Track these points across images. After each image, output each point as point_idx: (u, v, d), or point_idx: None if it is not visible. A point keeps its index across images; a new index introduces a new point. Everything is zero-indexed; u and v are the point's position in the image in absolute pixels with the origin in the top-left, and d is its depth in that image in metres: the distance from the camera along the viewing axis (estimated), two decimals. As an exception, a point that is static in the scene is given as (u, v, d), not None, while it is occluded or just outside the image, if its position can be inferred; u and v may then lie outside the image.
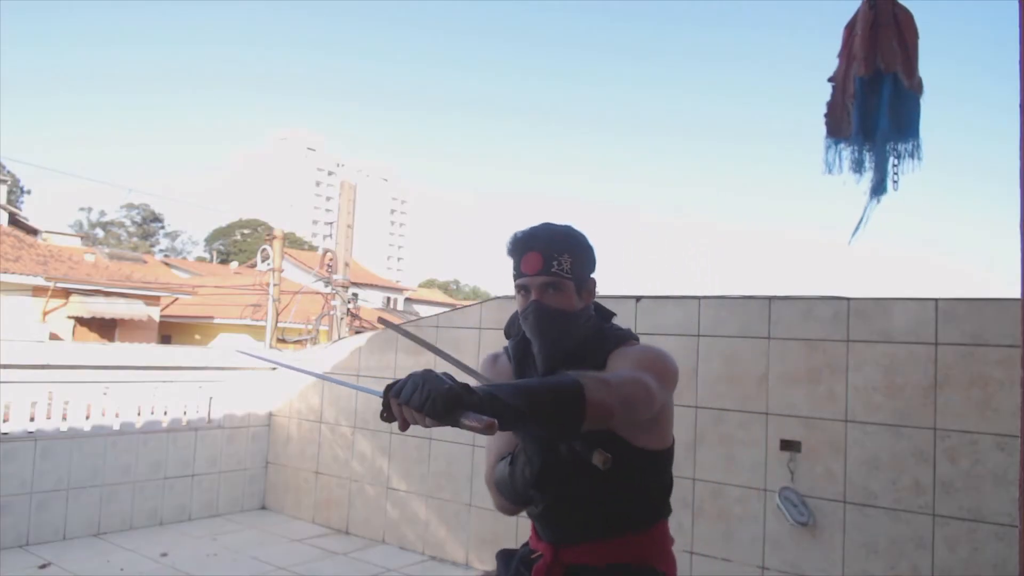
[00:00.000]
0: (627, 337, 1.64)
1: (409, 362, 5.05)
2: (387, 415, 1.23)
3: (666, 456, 1.63)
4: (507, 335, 1.75)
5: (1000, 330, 2.99)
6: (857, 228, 2.09)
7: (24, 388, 4.61)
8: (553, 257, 1.56)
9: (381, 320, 1.54)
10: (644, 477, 1.60)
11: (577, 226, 1.66)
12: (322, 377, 2.01)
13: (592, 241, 1.65)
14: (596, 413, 1.30)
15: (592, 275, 1.65)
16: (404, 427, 1.23)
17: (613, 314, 1.72)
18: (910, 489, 3.14)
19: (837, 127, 2.15)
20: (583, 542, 1.60)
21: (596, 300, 1.70)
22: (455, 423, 1.19)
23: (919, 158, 2.07)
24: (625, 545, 1.59)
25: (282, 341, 13.48)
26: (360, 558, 4.73)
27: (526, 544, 1.75)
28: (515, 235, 1.62)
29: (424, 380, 1.19)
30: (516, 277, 1.60)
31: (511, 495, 1.59)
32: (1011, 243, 1.62)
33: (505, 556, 1.77)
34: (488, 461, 1.69)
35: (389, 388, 1.23)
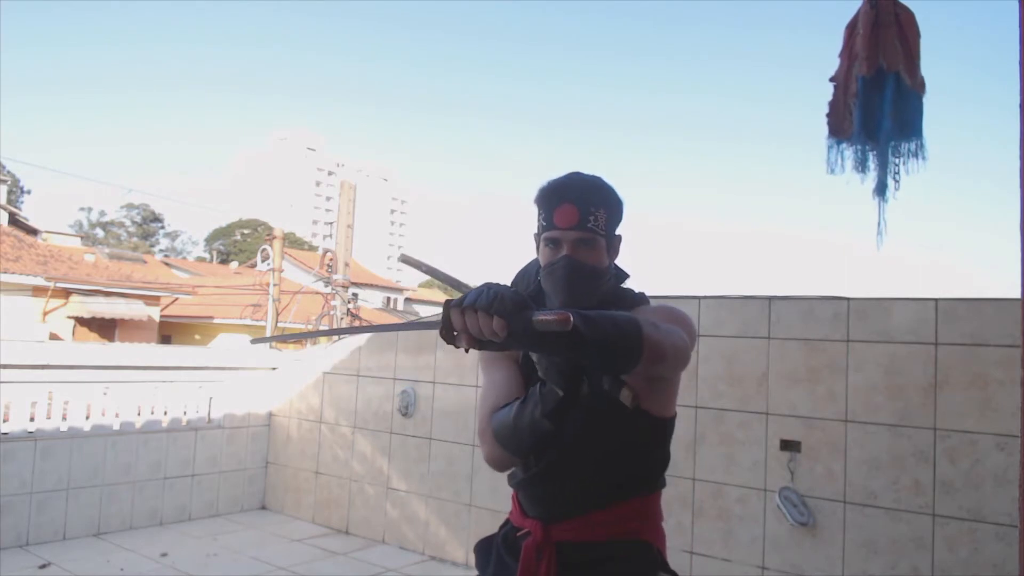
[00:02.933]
0: (642, 299, 1.60)
1: (409, 362, 5.05)
2: (448, 332, 1.17)
3: (670, 426, 1.59)
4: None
5: (1000, 330, 2.99)
6: (880, 233, 2.09)
7: (24, 388, 4.61)
8: (589, 211, 1.46)
9: (403, 258, 1.49)
10: (649, 442, 1.56)
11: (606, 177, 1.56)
12: (392, 328, 1.82)
13: (621, 195, 1.55)
14: (652, 354, 1.24)
15: (618, 233, 1.56)
16: (470, 343, 1.16)
17: (627, 275, 1.65)
18: (910, 489, 3.14)
19: (839, 127, 2.15)
20: (577, 515, 1.51)
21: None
22: (526, 325, 1.12)
23: (923, 157, 2.07)
24: (621, 516, 1.53)
25: (282, 341, 13.47)
26: (360, 558, 4.72)
27: (506, 524, 1.65)
28: (548, 183, 1.52)
29: (487, 286, 1.16)
30: (545, 229, 1.49)
31: (513, 442, 1.45)
32: (1011, 244, 1.62)
33: (484, 545, 1.67)
34: (482, 410, 1.54)
35: (448, 303, 1.18)
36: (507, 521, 1.66)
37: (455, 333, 1.17)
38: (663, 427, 1.58)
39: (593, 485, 1.53)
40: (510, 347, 1.18)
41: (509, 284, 1.58)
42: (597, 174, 1.55)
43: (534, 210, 1.55)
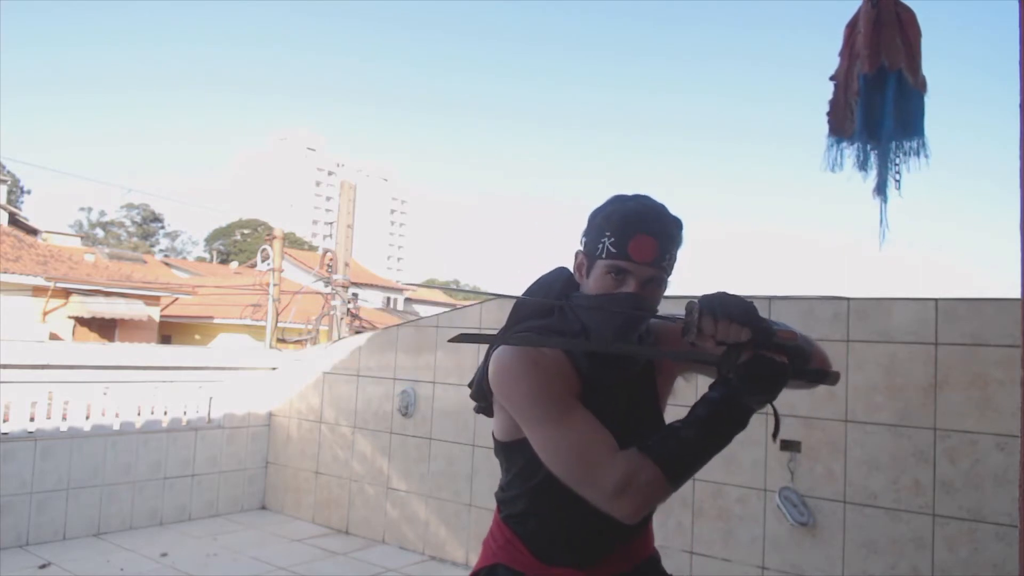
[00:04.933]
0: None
1: (409, 362, 5.05)
2: (691, 331, 1.23)
3: None
4: (525, 313, 1.48)
5: (1000, 330, 2.98)
6: (882, 232, 2.08)
7: (24, 388, 4.61)
8: (667, 249, 1.34)
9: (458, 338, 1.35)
10: None
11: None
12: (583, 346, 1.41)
13: None
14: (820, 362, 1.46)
15: None
16: (710, 344, 1.23)
17: None
18: (910, 489, 3.13)
19: (840, 126, 2.15)
20: (610, 552, 1.40)
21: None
22: (769, 334, 1.21)
23: (925, 156, 2.07)
24: (645, 538, 1.49)
25: (282, 341, 13.47)
26: (360, 558, 4.72)
27: (493, 571, 1.44)
28: (626, 207, 1.35)
29: (725, 295, 1.24)
30: (614, 256, 1.32)
31: (686, 474, 1.24)
32: (1011, 244, 1.61)
33: None
34: (604, 454, 1.24)
35: (698, 306, 1.22)
36: (494, 568, 1.45)
37: (697, 332, 1.22)
38: None
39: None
40: (735, 355, 1.22)
41: (524, 293, 1.49)
42: (674, 213, 1.41)
43: (589, 224, 1.40)
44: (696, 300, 1.23)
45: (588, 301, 1.37)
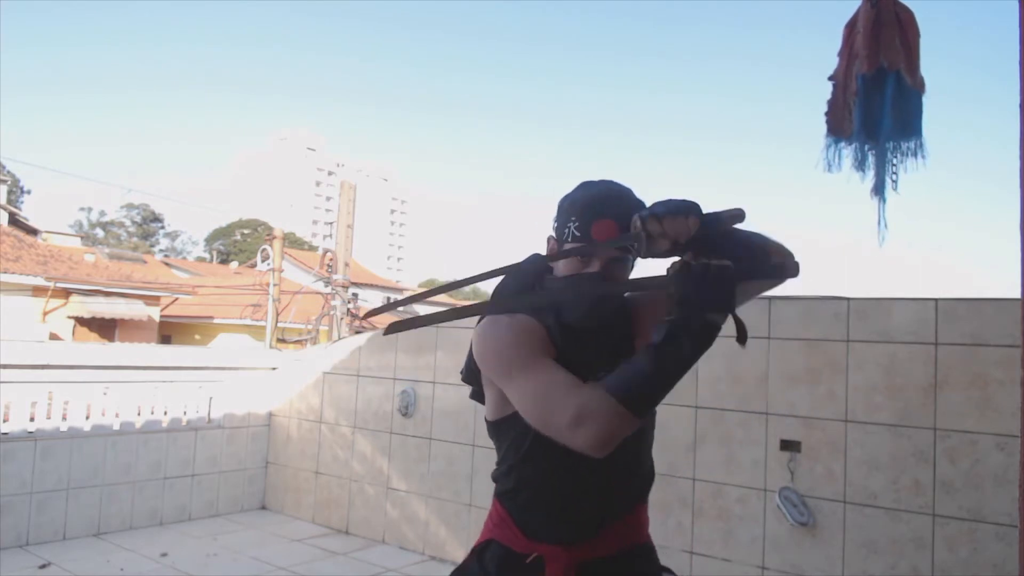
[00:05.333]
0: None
1: (409, 362, 5.05)
2: (645, 244, 1.28)
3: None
4: (498, 295, 1.53)
5: (1000, 330, 2.98)
6: (881, 232, 2.09)
7: (24, 388, 4.61)
8: (628, 230, 1.37)
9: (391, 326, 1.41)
10: (653, 435, 1.57)
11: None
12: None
13: None
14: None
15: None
16: (667, 249, 1.28)
17: None
18: (910, 489, 3.13)
19: (838, 126, 2.15)
20: (595, 534, 1.43)
21: None
22: (716, 219, 1.27)
23: (923, 156, 2.07)
24: (636, 520, 1.50)
25: (282, 341, 13.47)
26: (360, 558, 4.72)
27: (486, 547, 1.49)
28: (588, 193, 1.42)
29: (658, 203, 1.29)
30: (577, 240, 1.38)
31: (648, 398, 1.24)
32: (1011, 244, 1.61)
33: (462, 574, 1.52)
34: (566, 394, 1.27)
35: (638, 216, 1.28)
36: (488, 544, 1.50)
37: (647, 238, 1.27)
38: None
39: (637, 486, 1.49)
40: (691, 248, 1.28)
41: (500, 281, 1.55)
42: (630, 187, 1.46)
43: (558, 210, 1.46)
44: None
45: (559, 283, 1.44)
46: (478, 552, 1.51)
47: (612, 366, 1.29)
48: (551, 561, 1.41)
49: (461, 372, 1.65)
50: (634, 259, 1.42)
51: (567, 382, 1.29)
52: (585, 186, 1.46)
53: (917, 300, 3.21)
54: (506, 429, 1.46)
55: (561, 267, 1.43)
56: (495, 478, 1.55)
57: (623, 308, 1.51)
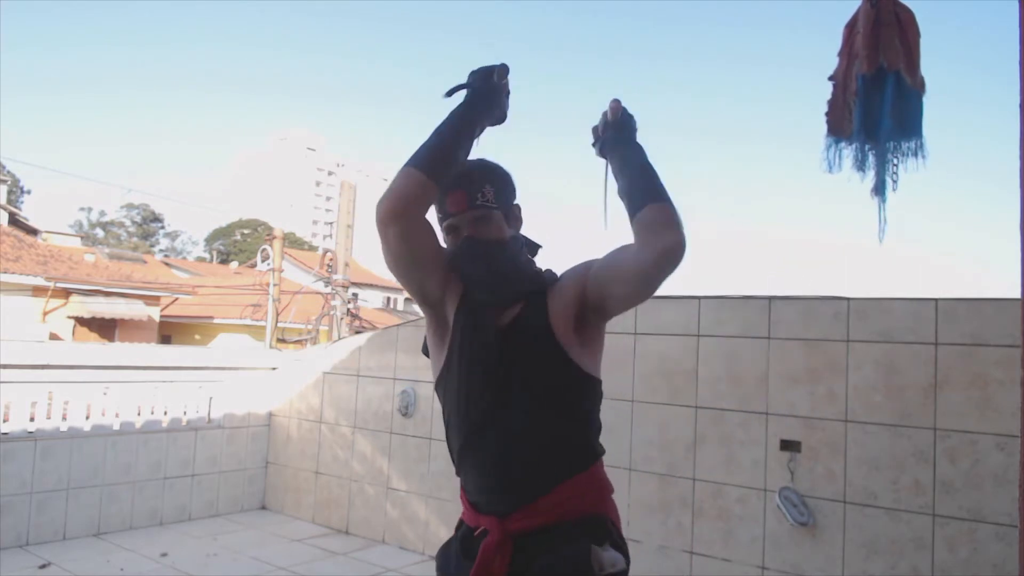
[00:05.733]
0: (554, 277, 1.64)
1: (409, 362, 5.05)
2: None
3: (600, 388, 1.60)
4: None
5: (1000, 330, 2.99)
6: (882, 230, 2.08)
7: (24, 388, 4.61)
8: (476, 191, 1.56)
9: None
10: (588, 405, 1.58)
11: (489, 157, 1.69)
12: None
13: (508, 168, 1.67)
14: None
15: (516, 202, 1.67)
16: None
17: (539, 246, 1.72)
18: (910, 489, 3.13)
19: (838, 126, 2.15)
20: (529, 502, 1.48)
21: (524, 235, 1.70)
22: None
23: (923, 157, 2.07)
24: (570, 495, 1.50)
25: (282, 341, 13.47)
26: (360, 558, 4.72)
27: (460, 525, 1.62)
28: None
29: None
30: (443, 220, 1.59)
31: (437, 146, 1.53)
32: (1011, 244, 1.62)
33: (443, 551, 1.66)
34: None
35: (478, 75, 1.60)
36: (461, 522, 1.63)
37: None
38: (599, 388, 1.58)
39: (542, 453, 1.50)
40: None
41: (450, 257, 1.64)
42: (482, 157, 1.64)
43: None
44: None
45: (454, 257, 1.60)
46: (456, 528, 1.64)
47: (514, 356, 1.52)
48: (491, 531, 1.49)
49: (423, 348, 1.75)
50: (500, 208, 1.61)
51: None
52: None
53: (917, 300, 3.21)
54: (439, 396, 1.64)
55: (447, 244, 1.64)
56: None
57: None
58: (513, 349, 1.52)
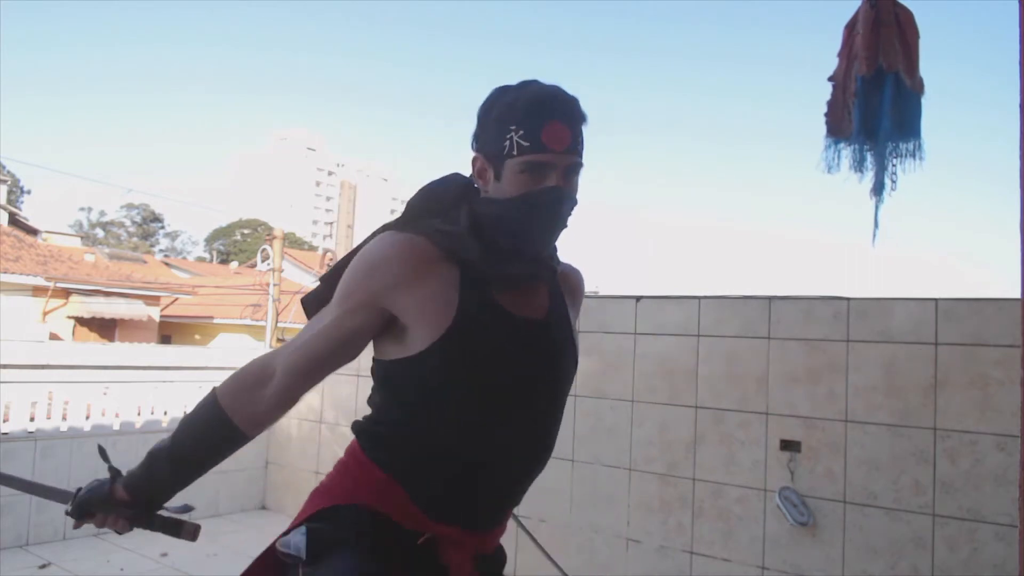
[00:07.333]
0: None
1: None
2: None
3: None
4: (414, 213, 1.26)
5: (1000, 330, 2.98)
6: (875, 231, 2.09)
7: (24, 388, 4.61)
8: (579, 133, 1.18)
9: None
10: None
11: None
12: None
13: None
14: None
15: None
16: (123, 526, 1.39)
17: None
18: (910, 489, 3.14)
19: (837, 126, 2.15)
20: (504, 520, 1.27)
21: None
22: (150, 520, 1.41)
23: (921, 158, 2.08)
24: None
25: (282, 341, 13.47)
26: (360, 558, 4.72)
27: (334, 512, 1.22)
28: (528, 96, 1.16)
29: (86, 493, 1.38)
30: (527, 151, 1.13)
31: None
32: (1011, 244, 1.62)
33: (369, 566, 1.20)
34: (310, 347, 1.32)
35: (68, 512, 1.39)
36: (348, 508, 1.21)
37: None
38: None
39: (543, 464, 1.28)
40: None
41: (412, 200, 1.29)
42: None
43: (482, 122, 1.21)
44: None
45: (498, 205, 1.17)
46: (323, 515, 1.23)
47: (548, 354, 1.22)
48: (453, 545, 1.17)
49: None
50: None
51: (329, 333, 1.27)
52: (512, 90, 1.20)
53: (917, 300, 3.21)
54: (409, 369, 1.28)
55: (506, 188, 1.17)
56: (375, 431, 1.36)
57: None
58: (562, 355, 1.27)
